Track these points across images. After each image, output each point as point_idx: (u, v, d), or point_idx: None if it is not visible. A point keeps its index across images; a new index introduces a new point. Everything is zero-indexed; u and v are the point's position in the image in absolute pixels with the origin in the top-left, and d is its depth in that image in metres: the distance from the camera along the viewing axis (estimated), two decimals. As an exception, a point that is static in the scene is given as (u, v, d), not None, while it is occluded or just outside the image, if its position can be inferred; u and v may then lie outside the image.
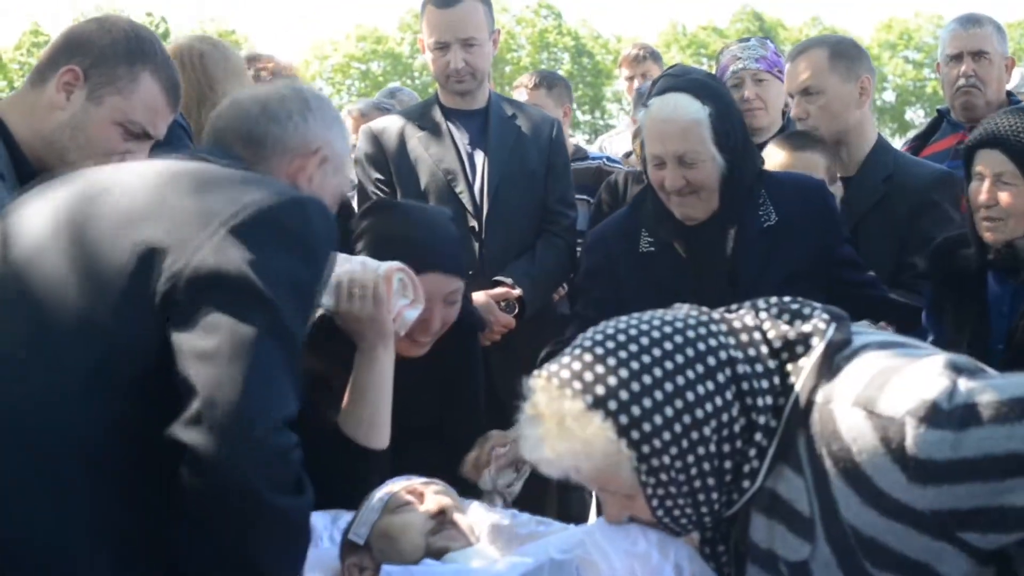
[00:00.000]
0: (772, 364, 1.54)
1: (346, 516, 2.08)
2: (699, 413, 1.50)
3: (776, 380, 1.53)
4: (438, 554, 1.83)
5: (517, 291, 3.24)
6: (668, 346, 1.54)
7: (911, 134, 4.67)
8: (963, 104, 3.66)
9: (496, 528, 2.16)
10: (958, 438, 1.38)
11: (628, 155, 4.36)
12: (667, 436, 1.50)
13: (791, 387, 1.52)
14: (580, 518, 4.07)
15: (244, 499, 1.41)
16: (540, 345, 2.77)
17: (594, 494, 4.22)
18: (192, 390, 1.42)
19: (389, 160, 3.38)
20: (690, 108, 2.49)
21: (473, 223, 3.30)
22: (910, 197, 2.97)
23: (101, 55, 2.13)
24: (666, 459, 1.50)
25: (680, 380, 1.51)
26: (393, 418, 2.19)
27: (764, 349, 1.55)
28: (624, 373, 1.52)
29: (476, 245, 3.29)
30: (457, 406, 2.42)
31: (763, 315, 1.60)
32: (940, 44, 3.85)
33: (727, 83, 3.52)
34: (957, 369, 1.44)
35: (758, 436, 1.52)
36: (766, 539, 1.55)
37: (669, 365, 1.52)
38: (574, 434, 1.52)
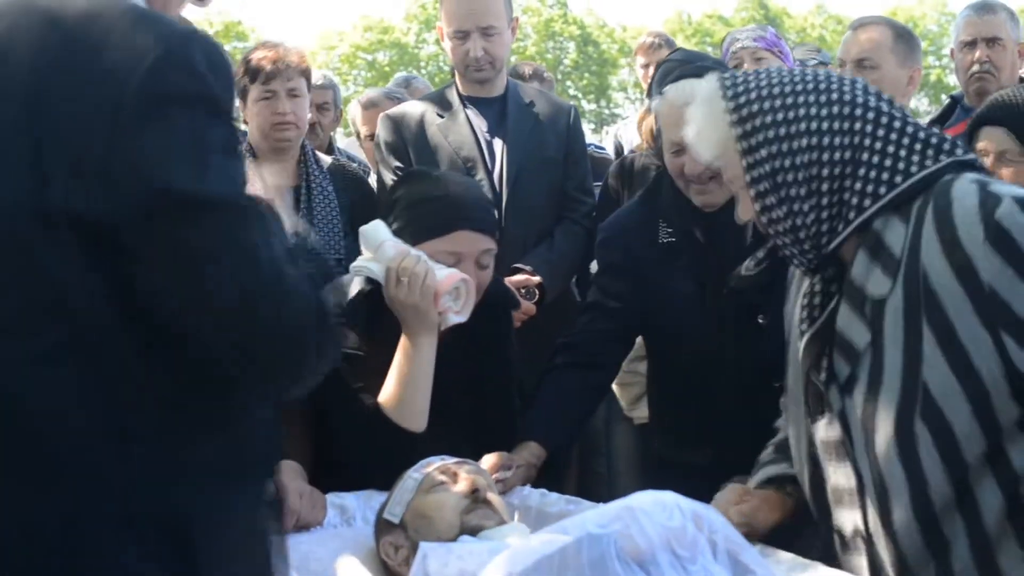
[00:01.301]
0: (917, 146, 1.71)
1: (378, 497, 2.12)
2: (803, 126, 1.71)
3: (908, 155, 1.70)
4: (473, 532, 1.86)
5: (537, 278, 3.25)
6: (809, 75, 1.76)
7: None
8: (977, 90, 3.68)
9: (526, 507, 2.20)
10: None
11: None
12: (771, 134, 1.72)
13: (927, 166, 1.69)
14: (598, 496, 4.07)
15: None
16: (559, 331, 2.79)
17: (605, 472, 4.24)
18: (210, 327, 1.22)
19: (409, 147, 3.40)
20: None
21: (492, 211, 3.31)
22: None
23: None
24: (763, 152, 1.73)
25: (801, 99, 1.73)
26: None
27: (920, 133, 1.73)
28: (763, 81, 1.77)
29: (495, 233, 3.31)
30: (490, 385, 2.44)
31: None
32: (954, 31, 3.87)
33: (729, 65, 3.56)
34: None
35: (871, 187, 1.69)
36: (862, 276, 1.71)
37: (800, 87, 1.74)
38: (700, 111, 1.81)
